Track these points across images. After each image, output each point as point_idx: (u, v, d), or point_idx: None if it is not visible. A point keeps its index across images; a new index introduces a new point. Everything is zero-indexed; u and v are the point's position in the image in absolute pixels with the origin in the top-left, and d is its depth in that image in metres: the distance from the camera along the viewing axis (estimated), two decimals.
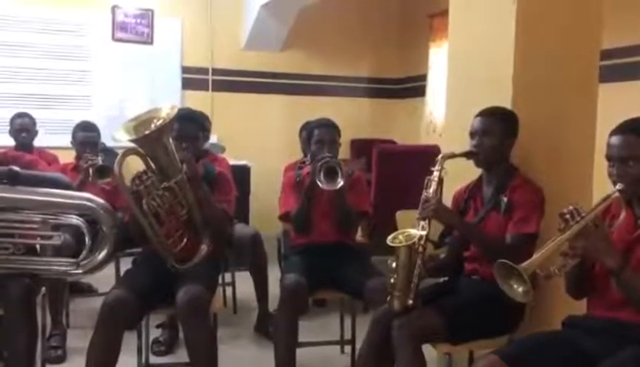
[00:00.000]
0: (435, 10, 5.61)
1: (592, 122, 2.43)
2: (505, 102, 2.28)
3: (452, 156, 2.19)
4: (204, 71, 5.92)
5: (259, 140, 5.83)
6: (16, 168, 2.34)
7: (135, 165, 2.23)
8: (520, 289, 1.65)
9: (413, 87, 6.33)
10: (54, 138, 4.52)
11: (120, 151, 2.17)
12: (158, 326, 3.18)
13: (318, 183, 2.59)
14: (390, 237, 1.99)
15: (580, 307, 1.91)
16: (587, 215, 1.62)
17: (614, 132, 1.74)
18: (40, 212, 2.24)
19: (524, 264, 1.63)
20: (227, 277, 3.68)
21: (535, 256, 1.65)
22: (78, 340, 2.85)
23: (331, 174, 2.61)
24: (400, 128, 6.44)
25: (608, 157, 1.74)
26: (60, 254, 2.31)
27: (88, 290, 3.82)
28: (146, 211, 2.17)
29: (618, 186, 1.68)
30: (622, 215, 1.76)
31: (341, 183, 2.58)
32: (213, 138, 4.80)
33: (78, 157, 3.49)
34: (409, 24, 6.45)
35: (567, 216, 1.62)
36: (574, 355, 1.72)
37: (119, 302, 2.19)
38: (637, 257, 1.69)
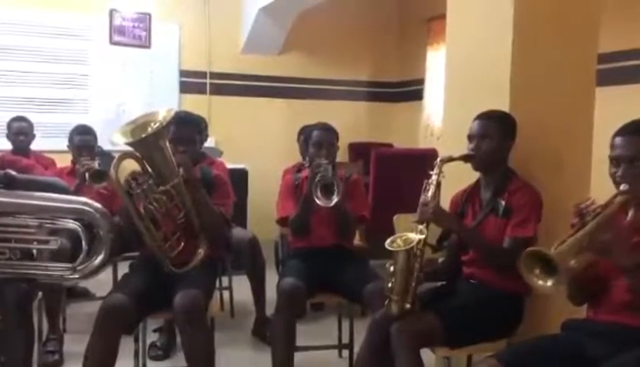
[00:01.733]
0: (432, 14, 5.63)
1: (589, 126, 2.44)
2: (503, 105, 2.28)
3: (451, 160, 2.18)
4: (202, 75, 5.92)
5: (256, 143, 5.83)
6: (12, 172, 2.34)
7: (131, 169, 2.22)
8: (549, 282, 1.52)
9: (410, 91, 6.34)
10: (51, 141, 4.51)
11: (117, 155, 2.16)
12: (155, 331, 3.16)
13: (315, 199, 2.61)
14: (388, 241, 1.99)
15: (579, 311, 1.90)
16: (606, 210, 1.58)
17: (618, 133, 1.74)
18: (37, 216, 2.23)
19: (557, 251, 1.51)
20: (225, 280, 3.67)
21: (563, 246, 1.54)
22: (75, 345, 2.83)
23: (327, 190, 2.63)
24: (398, 132, 6.44)
25: (613, 158, 1.73)
26: (56, 259, 2.29)
27: (85, 295, 3.80)
28: (143, 214, 2.17)
29: (623, 186, 1.66)
30: (630, 215, 1.74)
31: (335, 200, 2.60)
32: (211, 142, 4.79)
33: (74, 161, 3.48)
34: (406, 27, 6.47)
35: (584, 211, 1.58)
36: (574, 358, 1.72)
37: (116, 306, 2.18)
38: None
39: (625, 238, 1.62)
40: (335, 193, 2.61)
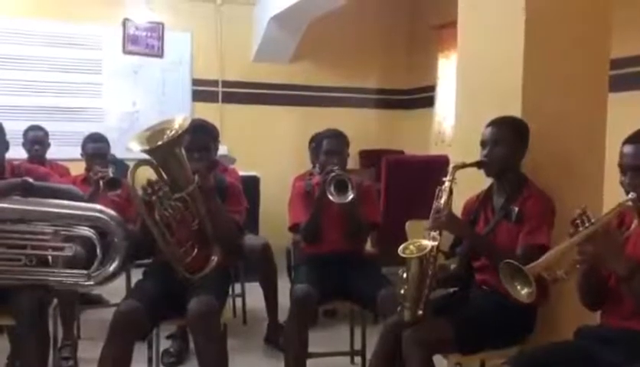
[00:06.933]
0: (443, 21, 5.62)
1: (602, 132, 2.43)
2: (515, 111, 2.28)
3: (464, 166, 2.18)
4: (214, 83, 5.96)
5: (268, 151, 5.86)
6: (30, 180, 2.36)
7: (147, 176, 2.24)
8: (525, 290, 1.66)
9: (421, 98, 6.34)
10: (65, 150, 4.55)
11: (130, 162, 2.19)
12: (168, 337, 3.18)
13: (329, 196, 2.61)
14: (401, 247, 1.99)
15: (592, 318, 1.89)
16: (597, 221, 1.63)
17: (627, 141, 1.75)
18: (53, 223, 2.26)
19: (530, 265, 1.64)
20: (237, 287, 3.69)
21: (542, 258, 1.66)
22: (89, 351, 2.86)
23: (341, 187, 2.63)
24: (409, 139, 6.44)
25: (621, 166, 1.73)
26: (71, 266, 2.32)
27: (99, 301, 3.83)
28: (158, 221, 2.19)
29: (631, 195, 1.68)
30: (634, 224, 1.75)
31: (351, 196, 2.60)
32: (223, 150, 4.82)
33: (88, 169, 3.52)
34: (417, 35, 6.47)
35: (577, 222, 1.64)
36: (587, 365, 1.71)
37: (130, 313, 2.20)
38: None
39: (620, 246, 1.66)
40: (350, 189, 2.61)
